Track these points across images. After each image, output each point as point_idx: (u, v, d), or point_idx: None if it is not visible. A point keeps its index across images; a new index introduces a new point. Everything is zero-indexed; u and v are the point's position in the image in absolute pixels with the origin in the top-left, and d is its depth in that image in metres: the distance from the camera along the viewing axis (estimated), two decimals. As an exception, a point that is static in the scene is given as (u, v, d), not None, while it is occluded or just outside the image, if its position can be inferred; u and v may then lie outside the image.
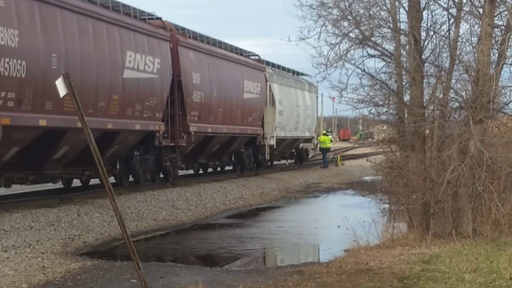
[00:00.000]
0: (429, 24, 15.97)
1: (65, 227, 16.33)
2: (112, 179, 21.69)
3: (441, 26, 16.04)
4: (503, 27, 15.15)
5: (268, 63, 35.76)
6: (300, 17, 16.44)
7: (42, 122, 17.03)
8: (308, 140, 41.24)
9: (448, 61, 15.85)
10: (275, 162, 39.10)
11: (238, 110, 29.99)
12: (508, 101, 15.84)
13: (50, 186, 21.49)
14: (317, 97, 43.35)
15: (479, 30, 15.09)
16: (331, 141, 43.17)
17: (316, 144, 43.02)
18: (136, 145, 22.65)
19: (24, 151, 17.48)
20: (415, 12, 15.41)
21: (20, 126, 16.46)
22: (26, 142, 17.28)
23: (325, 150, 41.28)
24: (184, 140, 25.05)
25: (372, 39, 16.39)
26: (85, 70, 18.66)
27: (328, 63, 16.29)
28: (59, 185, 21.82)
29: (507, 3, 14.79)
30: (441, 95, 15.69)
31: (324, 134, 43.04)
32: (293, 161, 40.96)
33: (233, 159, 31.85)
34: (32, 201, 18.26)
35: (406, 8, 15.77)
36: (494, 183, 14.70)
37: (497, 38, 15.18)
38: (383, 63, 16.73)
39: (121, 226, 9.69)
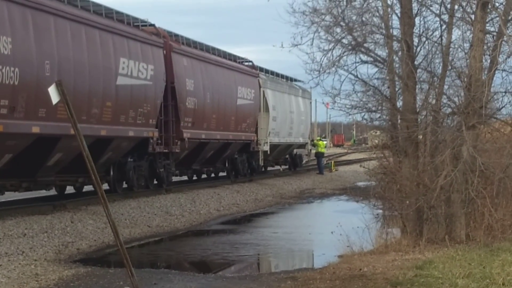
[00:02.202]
0: (421, 30, 16.03)
1: (59, 234, 16.31)
2: (105, 186, 21.67)
3: (433, 32, 16.09)
4: (495, 33, 15.20)
5: (261, 69, 35.82)
6: (293, 23, 16.46)
7: (35, 129, 17.03)
8: (302, 146, 41.28)
9: (440, 67, 15.88)
10: (269, 168, 39.13)
11: (231, 116, 30.01)
12: (501, 106, 15.89)
13: (43, 193, 21.47)
14: (310, 103, 43.43)
15: (471, 36, 15.14)
16: (325, 146, 43.43)
17: (310, 150, 43.05)
18: (129, 152, 22.64)
19: (17, 158, 17.46)
20: (407, 18, 15.45)
21: (13, 133, 16.45)
22: (19, 149, 17.27)
23: (319, 155, 41.34)
24: (178, 146, 25.05)
25: (365, 45, 16.42)
26: (78, 77, 18.67)
27: (321, 69, 16.31)
28: (52, 192, 21.79)
29: (498, 10, 14.85)
30: (434, 101, 15.72)
31: (319, 140, 43.13)
32: (287, 167, 40.99)
33: (227, 165, 31.85)
34: (25, 208, 18.24)
35: (399, 14, 15.81)
36: (487, 188, 14.73)
37: (489, 44, 15.23)
38: (376, 69, 16.77)
39: (114, 233, 9.69)
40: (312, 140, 43.35)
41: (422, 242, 14.30)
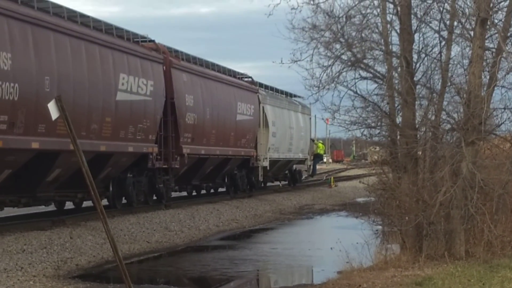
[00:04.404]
0: (420, 47, 16.07)
1: (58, 250, 16.28)
2: (105, 202, 21.65)
3: (432, 48, 16.14)
4: (494, 50, 15.23)
5: (261, 85, 35.85)
6: (292, 39, 16.50)
7: (35, 145, 17.02)
8: (302, 161, 41.29)
9: (439, 83, 15.92)
10: (269, 184, 39.09)
11: (231, 131, 30.01)
12: (500, 123, 15.89)
13: (42, 208, 21.43)
14: (310, 118, 43.48)
15: (470, 52, 15.17)
16: (324, 152, 45.97)
17: (310, 165, 43.14)
18: (129, 167, 22.62)
19: (16, 174, 17.44)
20: (406, 35, 15.50)
21: (13, 149, 16.44)
22: (19, 165, 17.26)
23: (317, 157, 42.84)
24: (177, 162, 25.03)
25: (364, 61, 16.46)
26: (78, 93, 18.68)
27: (320, 85, 16.34)
28: (51, 207, 21.76)
29: (497, 26, 14.90)
30: (433, 117, 15.74)
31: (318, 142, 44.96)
32: (286, 182, 40.97)
33: (226, 180, 31.82)
34: (24, 224, 18.21)
35: (398, 30, 15.86)
36: (486, 204, 14.71)
37: (488, 60, 15.26)
38: (375, 85, 16.80)
39: (113, 249, 9.68)
40: (312, 140, 43.96)
41: (422, 258, 14.27)
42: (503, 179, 15.09)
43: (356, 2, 15.86)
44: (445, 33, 15.67)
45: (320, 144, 44.39)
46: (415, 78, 15.79)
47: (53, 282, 13.38)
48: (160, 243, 19.57)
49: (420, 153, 15.94)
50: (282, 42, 45.19)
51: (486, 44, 15.04)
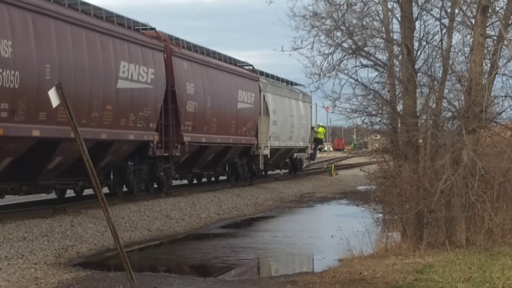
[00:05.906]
0: (421, 34, 16.05)
1: (58, 237, 16.30)
2: (106, 189, 21.67)
3: (433, 36, 16.12)
4: (495, 37, 15.22)
5: (262, 73, 35.81)
6: (293, 27, 16.49)
7: (36, 133, 17.03)
8: (302, 149, 41.31)
9: (440, 71, 15.91)
10: (269, 172, 39.12)
11: (232, 120, 30.01)
12: (501, 110, 15.89)
13: (43, 196, 21.45)
14: (311, 106, 43.45)
15: (471, 40, 15.15)
16: (324, 133, 46.30)
17: (310, 154, 43.16)
18: (130, 155, 22.63)
19: (17, 162, 17.46)
20: (407, 22, 15.47)
21: (14, 137, 16.45)
22: (20, 153, 17.27)
23: (318, 141, 43.53)
24: (178, 150, 25.04)
25: (365, 49, 16.44)
26: (78, 81, 18.67)
27: (321, 73, 16.33)
28: (52, 195, 21.76)
29: (499, 14, 14.87)
30: (434, 105, 15.74)
31: (319, 127, 45.15)
32: (287, 170, 41.01)
33: (227, 169, 31.84)
34: (25, 212, 18.23)
35: (399, 18, 15.83)
36: (487, 192, 14.73)
37: (489, 48, 15.24)
38: (376, 73, 16.79)
39: (114, 236, 9.69)
40: (313, 127, 43.96)
41: (422, 246, 14.30)
42: (504, 167, 15.10)
43: (357, -10, 15.83)
44: (446, 21, 15.65)
45: (320, 129, 44.39)
46: (416, 66, 15.77)
47: (54, 270, 13.41)
48: (161, 231, 19.61)
49: (421, 141, 15.94)
50: (283, 30, 45.16)
51: (487, 31, 15.03)
